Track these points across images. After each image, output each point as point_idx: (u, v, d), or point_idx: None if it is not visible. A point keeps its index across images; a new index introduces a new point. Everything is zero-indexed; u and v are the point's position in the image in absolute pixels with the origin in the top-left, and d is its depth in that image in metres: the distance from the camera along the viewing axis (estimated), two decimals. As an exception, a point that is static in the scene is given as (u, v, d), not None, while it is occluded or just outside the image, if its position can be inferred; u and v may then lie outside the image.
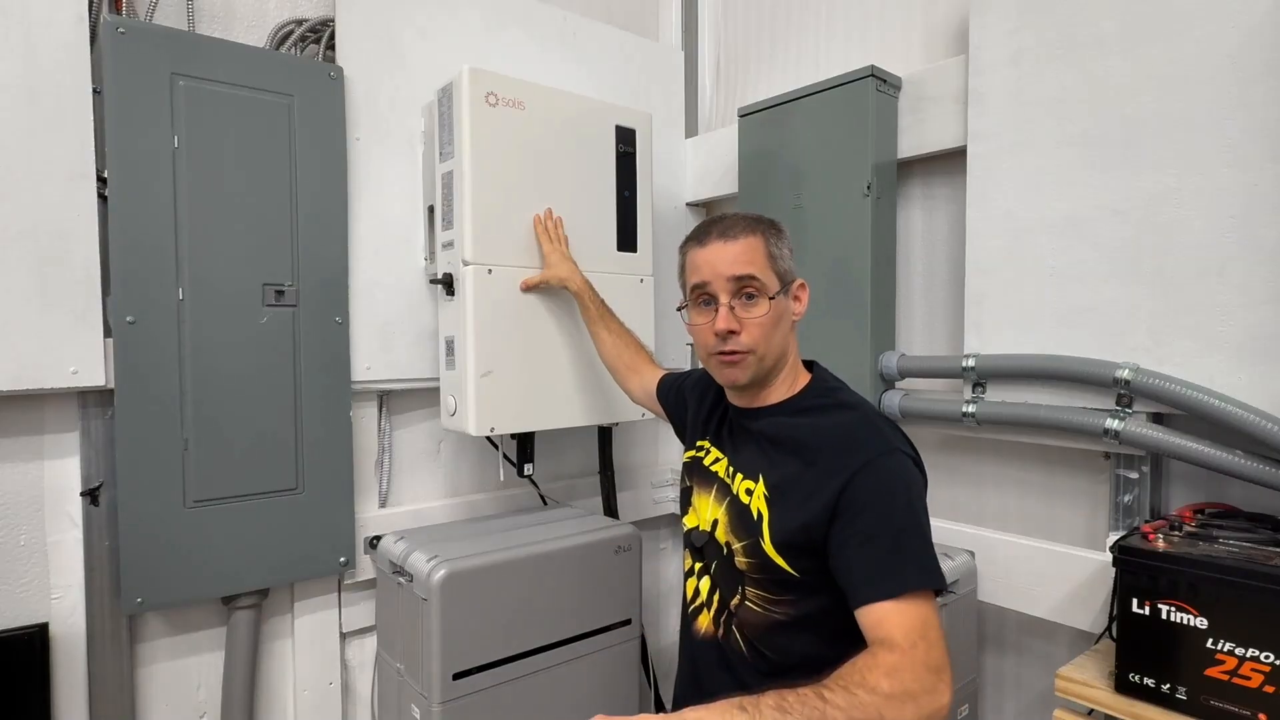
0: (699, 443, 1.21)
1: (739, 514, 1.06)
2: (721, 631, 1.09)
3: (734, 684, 1.05)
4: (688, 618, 1.17)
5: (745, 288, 1.03)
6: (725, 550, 1.07)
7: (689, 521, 1.18)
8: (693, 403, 1.28)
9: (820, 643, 1.01)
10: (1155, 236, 1.27)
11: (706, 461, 1.17)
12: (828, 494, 0.96)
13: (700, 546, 1.13)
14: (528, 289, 1.58)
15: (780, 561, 0.99)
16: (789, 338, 1.09)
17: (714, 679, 1.09)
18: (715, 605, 1.10)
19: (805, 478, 0.99)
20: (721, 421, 1.18)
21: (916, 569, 0.91)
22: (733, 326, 1.03)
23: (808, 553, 0.98)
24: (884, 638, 0.87)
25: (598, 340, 1.57)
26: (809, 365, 1.15)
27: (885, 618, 0.89)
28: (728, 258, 1.03)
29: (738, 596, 1.06)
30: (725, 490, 1.10)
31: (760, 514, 1.02)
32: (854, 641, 0.92)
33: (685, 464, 1.24)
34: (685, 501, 1.21)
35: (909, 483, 0.97)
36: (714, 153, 2.15)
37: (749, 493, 1.05)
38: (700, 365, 1.17)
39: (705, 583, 1.12)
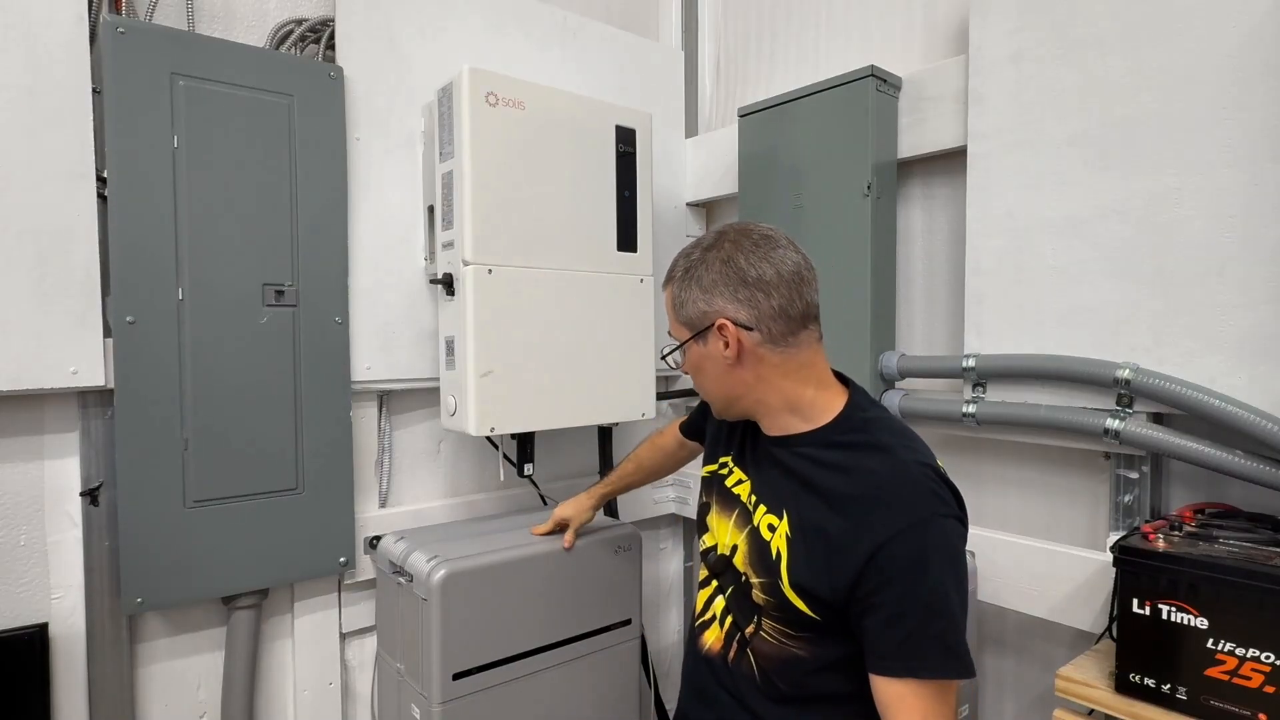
0: (722, 459, 1.16)
1: (759, 549, 1.01)
2: (733, 654, 1.05)
3: (741, 709, 1.04)
4: (695, 629, 1.15)
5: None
6: (743, 580, 1.03)
7: (707, 541, 1.14)
8: (714, 418, 1.22)
9: (841, 681, 0.98)
10: (1155, 236, 1.27)
11: (729, 482, 1.12)
12: (855, 556, 0.90)
13: (717, 570, 1.10)
14: (570, 547, 1.59)
15: (799, 604, 0.95)
16: (734, 379, 1.01)
17: (721, 700, 1.07)
18: (728, 627, 1.07)
19: (830, 528, 0.93)
20: (745, 439, 1.13)
21: (939, 655, 0.87)
22: (684, 371, 1.08)
23: (827, 604, 0.94)
24: None
25: (641, 485, 1.62)
26: (845, 382, 1.06)
27: (893, 703, 0.88)
28: None
29: (752, 626, 1.02)
30: (746, 518, 1.05)
31: (780, 554, 0.98)
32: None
33: (704, 479, 1.20)
34: (702, 519, 1.17)
35: (944, 554, 0.90)
36: (714, 153, 2.15)
37: (771, 529, 1.00)
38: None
39: (719, 603, 1.09)
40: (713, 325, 0.99)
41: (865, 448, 0.97)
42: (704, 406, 1.36)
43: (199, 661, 1.55)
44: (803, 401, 1.02)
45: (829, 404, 1.02)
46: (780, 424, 1.04)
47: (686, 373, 1.09)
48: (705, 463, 1.22)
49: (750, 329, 0.98)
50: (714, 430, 1.23)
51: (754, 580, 1.01)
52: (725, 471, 1.14)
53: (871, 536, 0.89)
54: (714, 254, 1.00)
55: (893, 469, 0.94)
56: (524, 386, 1.59)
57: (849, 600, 0.91)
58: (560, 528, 1.60)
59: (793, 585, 0.95)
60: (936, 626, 0.88)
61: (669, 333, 1.09)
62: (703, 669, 1.11)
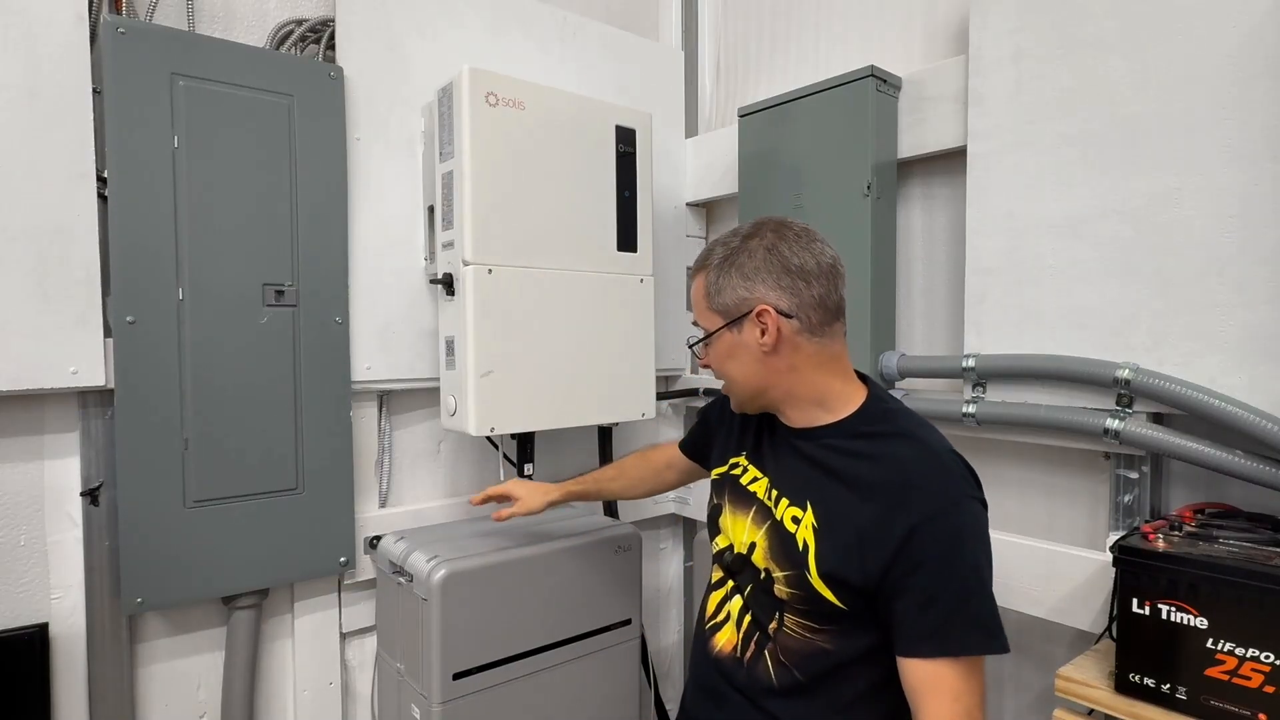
0: (733, 459, 1.16)
1: (782, 542, 1.01)
2: (750, 654, 1.05)
3: (754, 708, 1.04)
4: (705, 632, 1.14)
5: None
6: (764, 576, 1.03)
7: (720, 543, 1.13)
8: (722, 425, 1.24)
9: (863, 671, 0.99)
10: (1155, 236, 1.27)
11: (744, 480, 1.12)
12: (888, 541, 0.91)
13: (734, 569, 1.10)
14: (501, 519, 1.47)
15: (828, 594, 0.96)
16: (767, 368, 1.02)
17: (733, 700, 1.07)
18: (746, 626, 1.07)
19: (860, 515, 0.95)
20: (760, 436, 1.13)
21: (974, 632, 0.90)
22: (705, 362, 1.09)
23: (858, 591, 0.95)
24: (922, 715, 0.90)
25: (617, 496, 1.57)
26: (864, 379, 1.08)
27: (924, 686, 0.90)
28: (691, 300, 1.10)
29: (775, 622, 1.02)
30: (766, 514, 1.05)
31: (807, 545, 0.98)
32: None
33: (714, 482, 1.20)
34: (714, 521, 1.16)
35: (976, 535, 0.93)
36: (714, 153, 2.15)
37: (795, 520, 1.01)
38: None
39: (736, 603, 1.09)
40: (751, 312, 1.00)
41: (892, 436, 0.99)
42: (704, 419, 1.36)
43: (199, 661, 1.55)
44: (830, 393, 1.04)
45: (852, 396, 1.04)
46: (805, 416, 1.05)
47: (706, 365, 1.08)
48: (714, 465, 1.22)
49: (790, 317, 1.00)
50: (724, 435, 1.23)
51: (776, 574, 1.01)
52: (739, 471, 1.14)
53: (905, 520, 0.91)
54: (756, 242, 1.02)
55: (921, 455, 0.96)
56: (524, 386, 1.59)
57: (880, 585, 0.93)
58: (498, 498, 1.50)
59: (822, 575, 0.96)
60: (972, 606, 0.90)
61: (694, 323, 1.08)
62: (712, 671, 1.11)
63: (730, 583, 1.11)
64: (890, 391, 1.65)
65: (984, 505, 0.97)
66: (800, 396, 1.04)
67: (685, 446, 1.43)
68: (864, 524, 0.94)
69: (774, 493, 1.06)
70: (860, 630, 0.97)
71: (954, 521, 0.91)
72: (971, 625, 0.90)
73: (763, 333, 1.00)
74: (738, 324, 1.02)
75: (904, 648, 0.92)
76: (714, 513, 1.17)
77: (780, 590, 1.01)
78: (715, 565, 1.16)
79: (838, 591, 0.95)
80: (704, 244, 2.23)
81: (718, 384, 1.15)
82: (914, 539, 0.90)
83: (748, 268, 1.01)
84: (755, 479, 1.10)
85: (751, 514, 1.08)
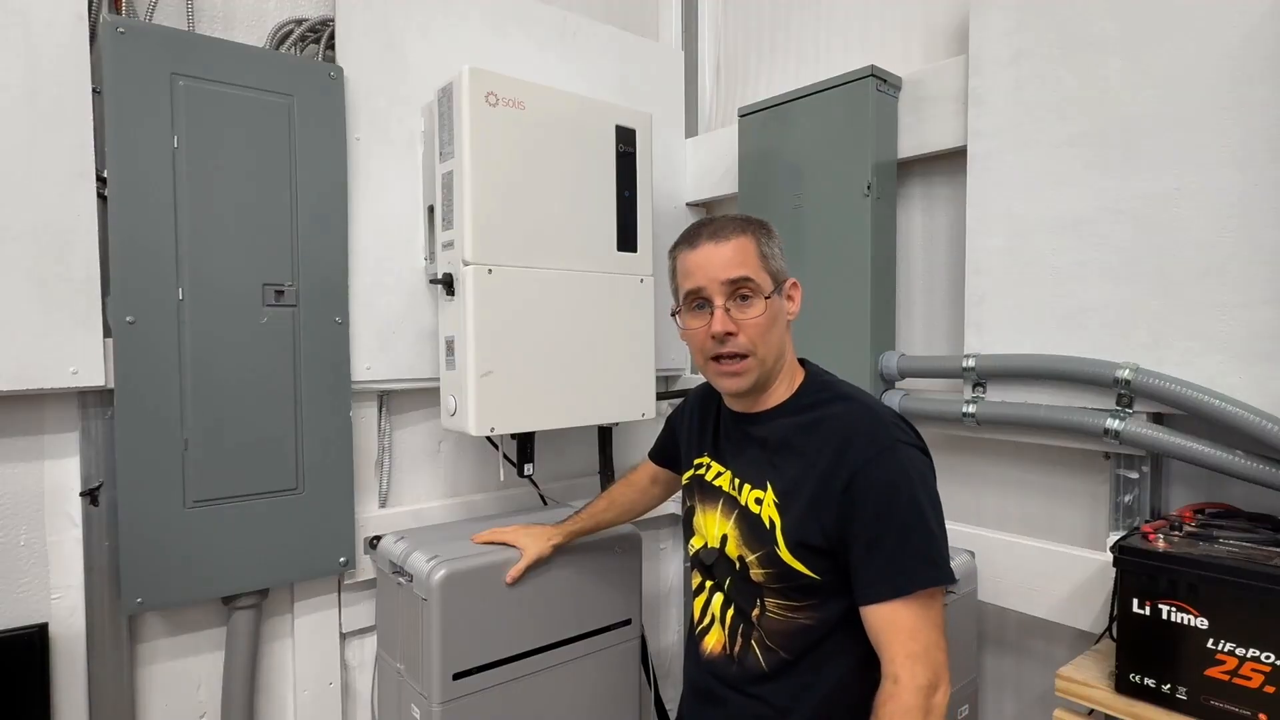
0: (696, 460, 1.20)
1: (751, 525, 1.04)
2: (738, 648, 1.07)
3: (750, 699, 1.05)
4: (694, 639, 1.16)
5: (740, 289, 1.02)
6: (738, 565, 1.05)
7: (695, 543, 1.15)
8: (684, 428, 1.27)
9: (845, 641, 1.00)
10: (1155, 236, 1.27)
11: (708, 477, 1.15)
12: (834, 495, 0.96)
13: (710, 565, 1.11)
14: (514, 581, 1.47)
15: (799, 566, 0.99)
16: (785, 337, 1.08)
17: (730, 699, 1.08)
18: (730, 620, 1.09)
19: (811, 479, 0.99)
20: (717, 432, 1.17)
21: (919, 566, 0.93)
22: (729, 328, 1.02)
23: (823, 554, 0.98)
24: (887, 671, 0.92)
25: (614, 524, 1.56)
26: (802, 362, 1.15)
27: (885, 627, 0.93)
28: (720, 260, 1.02)
29: (757, 609, 1.04)
30: (733, 503, 1.08)
31: (773, 522, 1.02)
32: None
33: (685, 485, 1.22)
34: (688, 523, 1.19)
35: (912, 476, 0.96)
36: (714, 152, 2.15)
37: (759, 502, 1.04)
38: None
39: (718, 600, 1.11)
40: (787, 282, 1.08)
41: (831, 401, 1.05)
42: (669, 425, 1.39)
43: (199, 661, 1.55)
44: (792, 373, 1.10)
45: (798, 374, 1.11)
46: (771, 397, 1.09)
47: (729, 334, 1.02)
48: (684, 470, 1.25)
49: None
50: (686, 438, 1.26)
51: (750, 558, 1.04)
52: (704, 470, 1.17)
53: (847, 470, 0.96)
54: (763, 222, 1.10)
55: (856, 411, 1.02)
56: (524, 386, 1.58)
57: (838, 541, 0.96)
58: (537, 561, 1.50)
59: (790, 547, 0.99)
60: (915, 542, 0.93)
61: (745, 278, 1.02)
62: (706, 675, 1.12)
63: (709, 583, 1.13)
64: (890, 392, 1.66)
65: (923, 451, 1.01)
66: (784, 372, 1.09)
67: (656, 456, 1.45)
68: (816, 486, 0.98)
69: (737, 481, 1.09)
70: (836, 599, 0.99)
71: (888, 465, 0.95)
72: (917, 560, 0.93)
73: (790, 301, 1.08)
74: (780, 290, 1.06)
75: (861, 596, 0.95)
76: (688, 515, 1.20)
77: (756, 574, 1.03)
78: (694, 570, 1.18)
79: (807, 560, 0.98)
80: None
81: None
82: (853, 486, 0.95)
83: (780, 244, 1.09)
84: (719, 474, 1.14)
85: (720, 507, 1.11)
